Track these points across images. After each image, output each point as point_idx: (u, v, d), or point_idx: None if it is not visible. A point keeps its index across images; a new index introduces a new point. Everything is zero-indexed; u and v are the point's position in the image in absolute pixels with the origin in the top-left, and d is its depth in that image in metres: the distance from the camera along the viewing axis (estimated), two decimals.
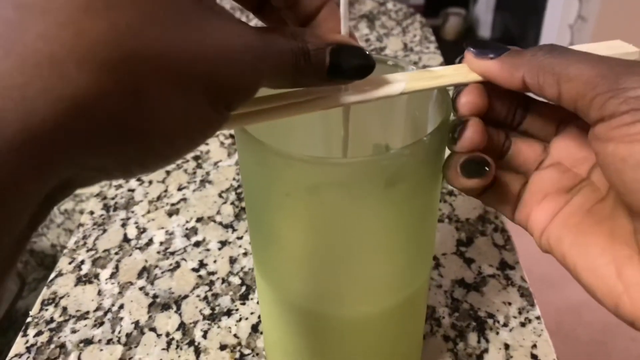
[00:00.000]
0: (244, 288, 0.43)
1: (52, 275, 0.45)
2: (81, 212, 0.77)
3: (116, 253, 0.47)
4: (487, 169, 0.22)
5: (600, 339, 1.44)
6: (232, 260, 0.45)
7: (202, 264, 0.45)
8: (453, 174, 0.23)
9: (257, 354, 0.38)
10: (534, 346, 0.37)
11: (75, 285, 0.44)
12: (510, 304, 0.40)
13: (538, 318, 0.39)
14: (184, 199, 0.52)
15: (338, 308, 0.28)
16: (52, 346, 0.39)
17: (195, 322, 0.40)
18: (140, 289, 0.43)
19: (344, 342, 0.30)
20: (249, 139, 0.23)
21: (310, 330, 0.30)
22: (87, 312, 0.41)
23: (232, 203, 0.51)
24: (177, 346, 0.38)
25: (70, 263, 0.46)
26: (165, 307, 0.41)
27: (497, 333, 0.38)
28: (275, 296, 0.30)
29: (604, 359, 1.40)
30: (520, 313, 0.40)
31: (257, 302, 0.41)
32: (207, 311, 0.41)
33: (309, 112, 0.22)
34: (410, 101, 0.29)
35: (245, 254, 0.46)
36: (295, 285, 0.28)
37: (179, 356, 0.38)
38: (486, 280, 0.42)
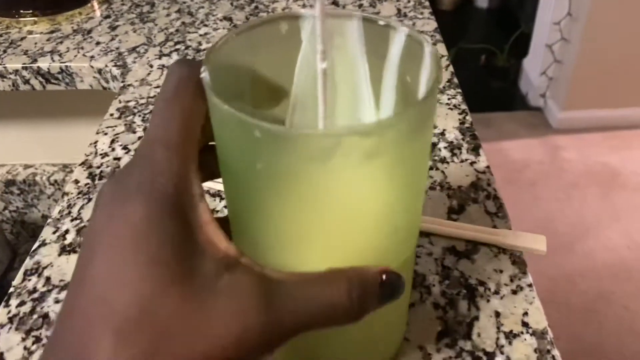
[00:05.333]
0: None
1: (36, 245, 0.44)
2: None
3: None
4: None
5: (594, 308, 1.45)
6: None
7: None
8: None
9: None
10: (525, 314, 0.37)
11: (59, 255, 0.43)
12: (501, 271, 0.40)
13: (530, 285, 0.39)
14: None
15: None
16: (35, 316, 0.38)
17: None
18: None
19: None
20: (217, 104, 0.22)
21: None
22: None
23: None
24: None
25: (54, 232, 0.45)
26: None
27: (488, 301, 0.38)
28: None
29: (597, 327, 1.41)
30: (512, 281, 0.39)
31: None
32: None
33: None
34: (401, 66, 0.28)
35: None
36: (273, 260, 0.27)
37: None
38: (477, 247, 0.42)
